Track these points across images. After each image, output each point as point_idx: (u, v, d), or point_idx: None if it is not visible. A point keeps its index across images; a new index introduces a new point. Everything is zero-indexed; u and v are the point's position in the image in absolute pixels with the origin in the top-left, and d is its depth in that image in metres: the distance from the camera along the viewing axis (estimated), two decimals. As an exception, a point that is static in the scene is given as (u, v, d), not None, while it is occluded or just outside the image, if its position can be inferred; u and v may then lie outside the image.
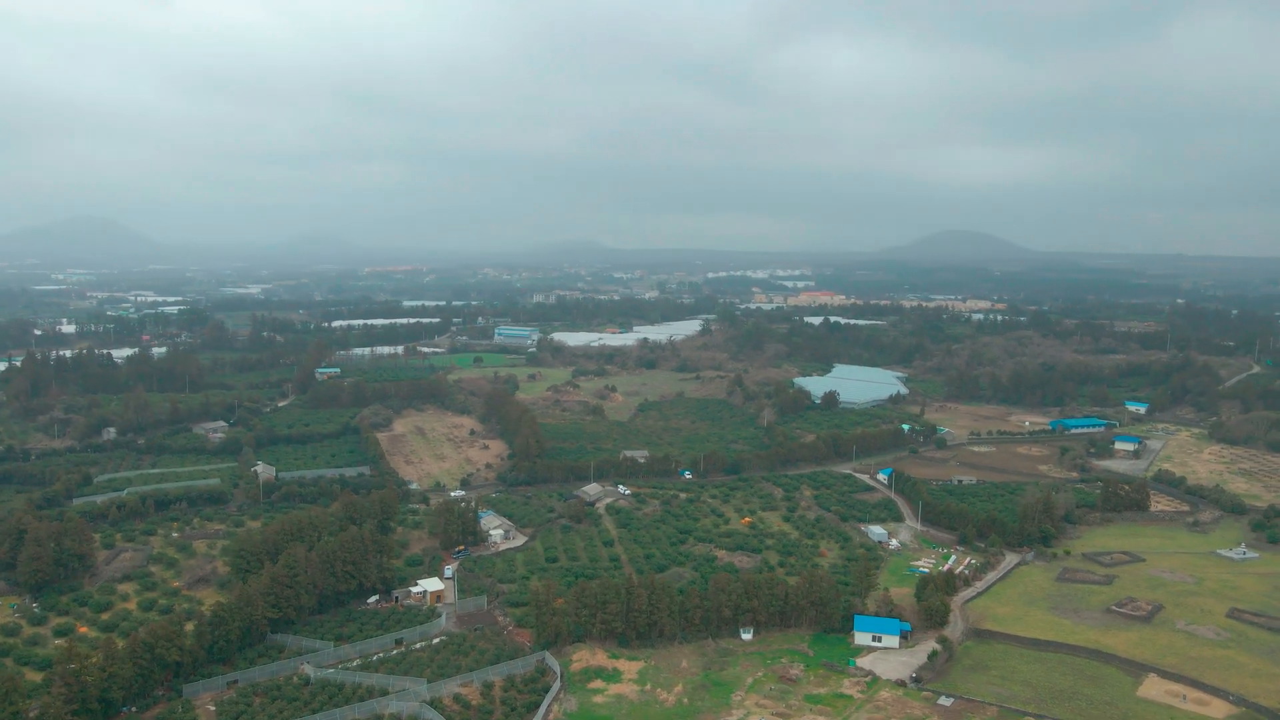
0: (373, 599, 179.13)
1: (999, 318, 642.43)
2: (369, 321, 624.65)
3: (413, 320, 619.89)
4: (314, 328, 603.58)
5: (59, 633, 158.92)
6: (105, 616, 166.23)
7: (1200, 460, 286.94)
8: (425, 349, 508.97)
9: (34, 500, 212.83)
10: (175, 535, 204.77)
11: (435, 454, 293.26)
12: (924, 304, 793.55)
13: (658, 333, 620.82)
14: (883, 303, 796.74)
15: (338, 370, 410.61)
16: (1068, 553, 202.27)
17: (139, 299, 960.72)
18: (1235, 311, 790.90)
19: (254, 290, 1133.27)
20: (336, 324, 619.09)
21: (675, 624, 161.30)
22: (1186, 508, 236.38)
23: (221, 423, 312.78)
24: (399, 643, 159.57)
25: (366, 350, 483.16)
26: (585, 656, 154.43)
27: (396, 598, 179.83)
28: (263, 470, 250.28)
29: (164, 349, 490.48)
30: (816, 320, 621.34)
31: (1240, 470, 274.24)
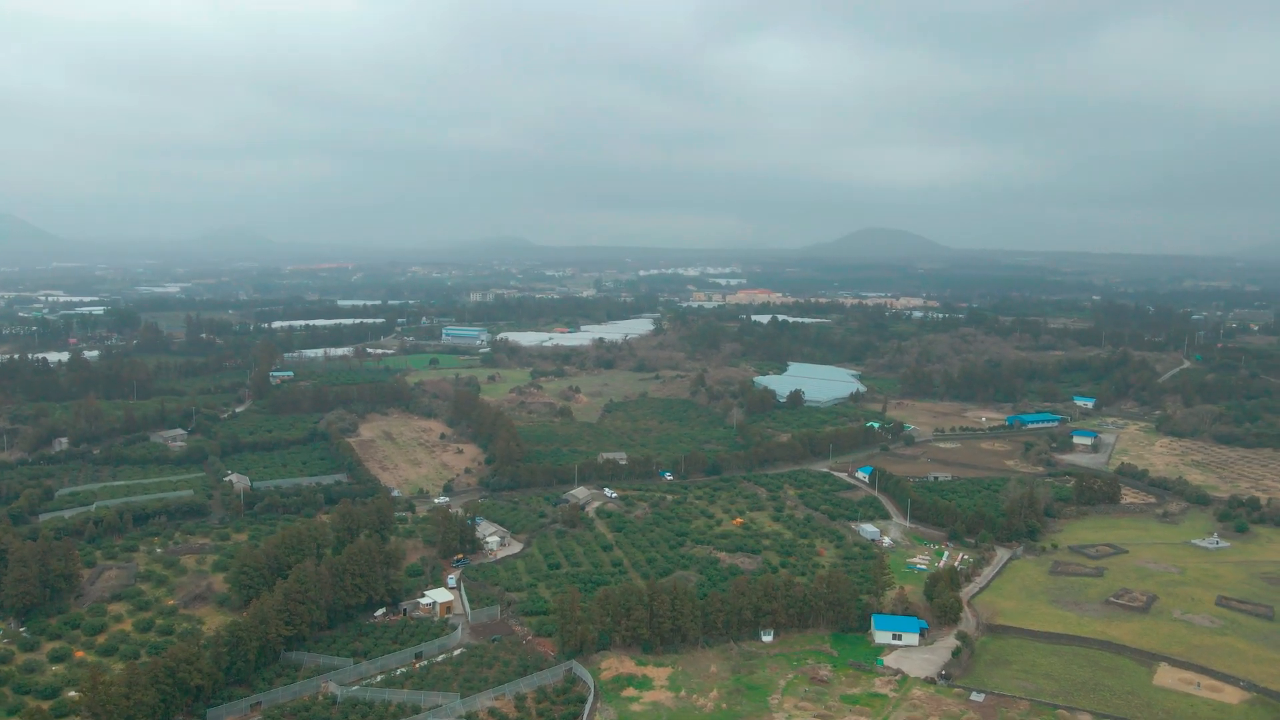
0: (380, 612, 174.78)
1: (938, 315, 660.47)
2: (310, 322, 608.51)
3: (355, 321, 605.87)
4: (253, 329, 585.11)
5: (55, 658, 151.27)
6: (100, 639, 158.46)
7: (1154, 453, 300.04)
8: (375, 350, 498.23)
9: None
10: (159, 551, 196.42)
11: (409, 459, 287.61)
12: (863, 302, 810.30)
13: (606, 332, 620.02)
14: (821, 300, 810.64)
15: (291, 374, 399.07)
16: (1055, 546, 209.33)
17: (50, 299, 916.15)
18: (1152, 308, 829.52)
19: (173, 289, 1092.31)
20: (276, 325, 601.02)
21: (697, 628, 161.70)
22: (1153, 499, 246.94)
23: (179, 430, 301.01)
24: (418, 657, 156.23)
25: (319, 352, 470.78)
26: (614, 664, 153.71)
27: (404, 610, 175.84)
28: (237, 480, 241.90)
29: (95, 352, 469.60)
30: (764, 319, 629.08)
31: (1193, 462, 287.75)
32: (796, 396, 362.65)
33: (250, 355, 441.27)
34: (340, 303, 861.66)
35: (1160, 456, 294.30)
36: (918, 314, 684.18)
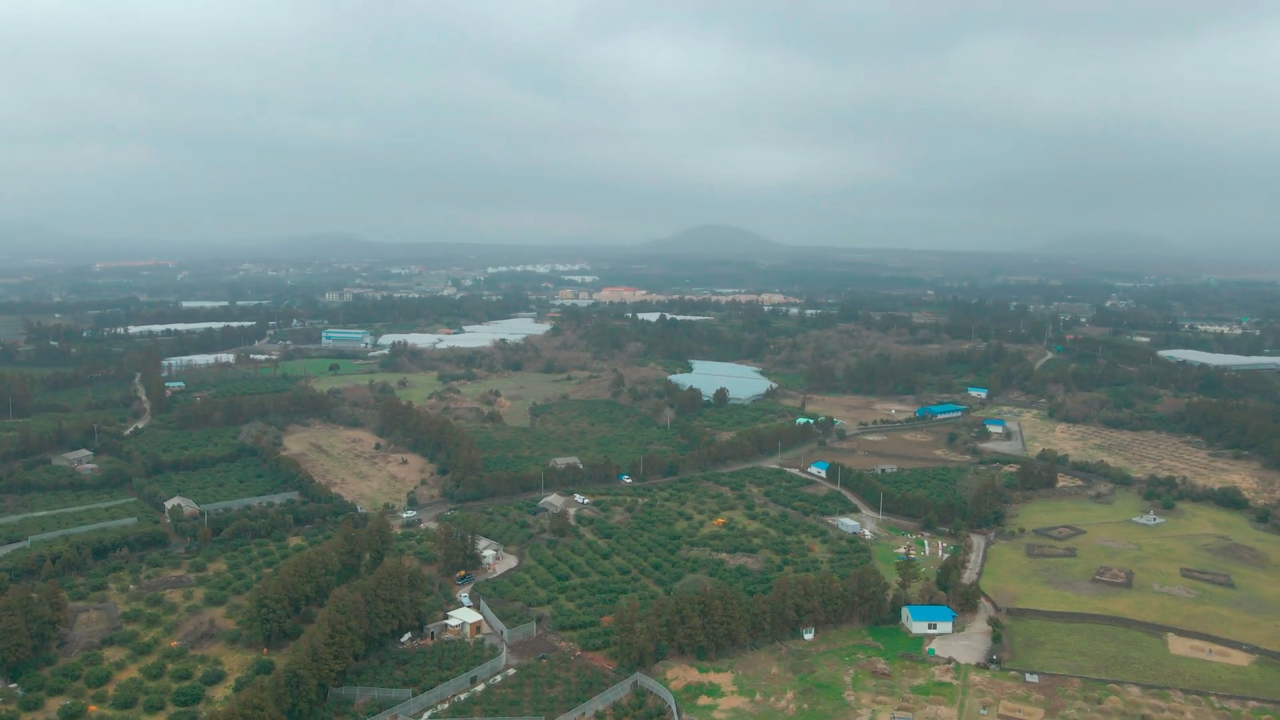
0: (406, 637, 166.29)
1: (812, 312, 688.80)
2: (170, 327, 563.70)
3: (222, 325, 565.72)
4: (107, 335, 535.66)
5: (67, 716, 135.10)
6: (110, 690, 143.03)
7: (1058, 439, 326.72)
8: (257, 356, 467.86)
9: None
10: (132, 587, 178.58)
11: (354, 472, 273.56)
12: (736, 299, 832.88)
13: (491, 332, 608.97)
14: (693, 298, 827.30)
15: (182, 384, 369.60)
16: (1022, 530, 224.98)
17: None
18: (976, 300, 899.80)
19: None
20: (135, 330, 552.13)
21: (746, 631, 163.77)
22: (1080, 482, 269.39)
23: (85, 451, 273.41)
24: (473, 681, 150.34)
25: (209, 359, 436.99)
26: (679, 673, 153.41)
27: (432, 633, 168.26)
28: (185, 505, 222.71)
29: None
30: (651, 317, 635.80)
31: (1095, 445, 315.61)
32: (722, 395, 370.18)
33: (125, 365, 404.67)
34: (184, 304, 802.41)
35: (1065, 442, 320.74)
36: (794, 310, 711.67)
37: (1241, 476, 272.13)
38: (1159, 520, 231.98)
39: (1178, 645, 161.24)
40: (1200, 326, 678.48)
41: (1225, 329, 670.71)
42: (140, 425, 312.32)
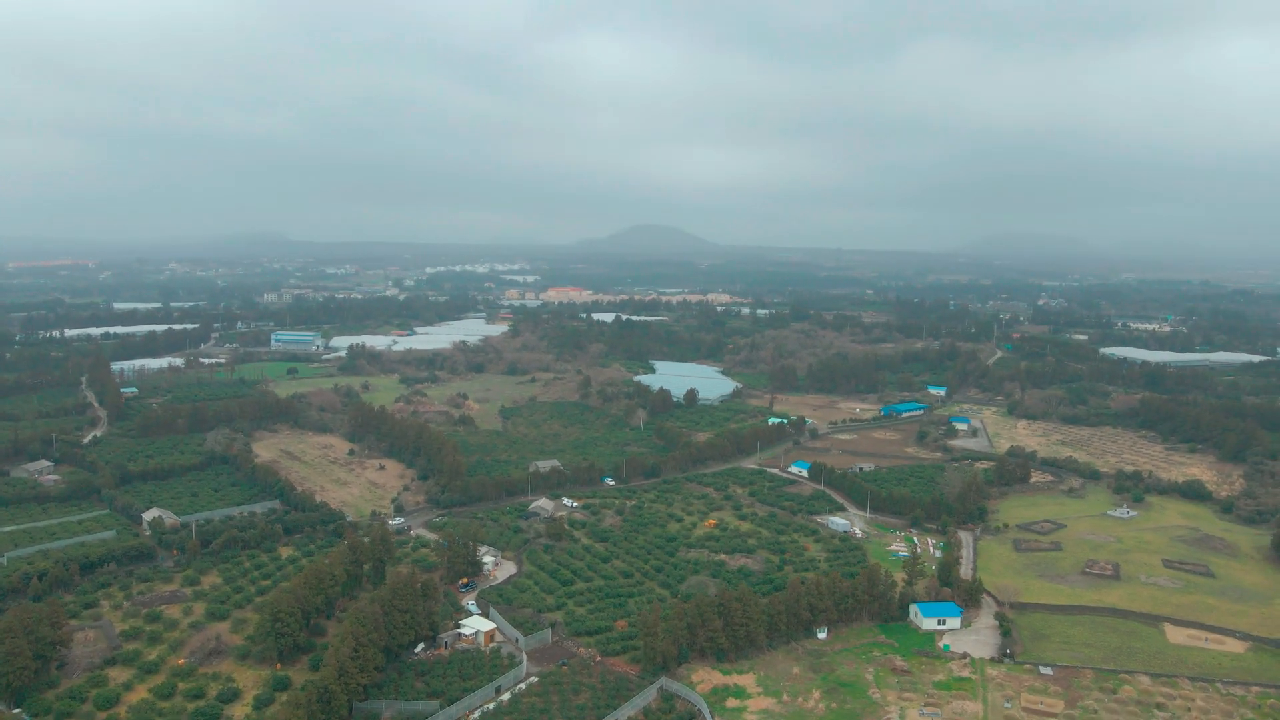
0: (419, 648, 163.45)
1: (765, 312, 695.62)
2: (110, 330, 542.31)
3: (163, 328, 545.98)
4: (42, 339, 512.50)
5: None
6: (121, 713, 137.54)
7: (1021, 435, 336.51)
8: (207, 360, 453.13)
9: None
10: (126, 604, 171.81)
11: (332, 479, 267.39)
12: (687, 299, 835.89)
13: (444, 333, 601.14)
14: (643, 298, 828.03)
15: (135, 390, 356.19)
16: (1006, 525, 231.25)
17: None
18: (917, 300, 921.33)
19: None
20: (71, 334, 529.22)
21: (763, 631, 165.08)
22: (1051, 477, 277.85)
23: (45, 462, 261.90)
24: (498, 691, 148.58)
25: (163, 363, 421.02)
26: (703, 676, 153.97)
27: (445, 643, 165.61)
28: (166, 517, 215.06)
29: None
30: (608, 318, 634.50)
31: (1057, 441, 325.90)
32: (692, 396, 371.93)
33: (69, 370, 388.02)
34: (116, 306, 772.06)
35: (1029, 438, 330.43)
36: (745, 310, 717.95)
37: (1200, 469, 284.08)
38: (1132, 513, 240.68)
39: (1175, 634, 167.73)
40: (1132, 325, 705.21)
41: (1155, 326, 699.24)
42: (98, 434, 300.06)
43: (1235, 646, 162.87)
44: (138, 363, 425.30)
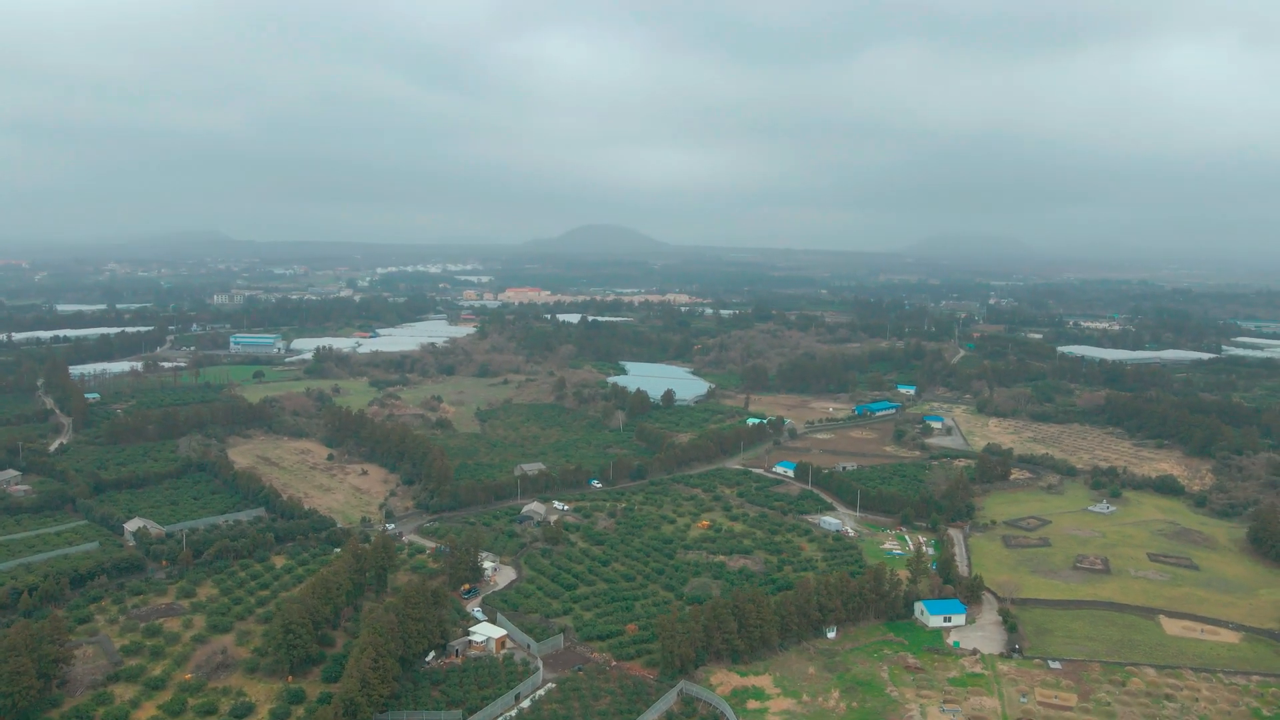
0: (430, 656, 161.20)
1: (728, 312, 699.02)
2: (59, 332, 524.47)
3: (116, 330, 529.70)
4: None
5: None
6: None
7: (993, 432, 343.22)
8: (166, 364, 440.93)
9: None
10: (122, 619, 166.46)
11: (315, 485, 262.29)
12: (649, 299, 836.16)
13: (407, 335, 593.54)
14: (604, 299, 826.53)
15: (98, 395, 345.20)
16: (994, 522, 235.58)
17: None
18: (874, 299, 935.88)
19: None
20: (19, 337, 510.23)
21: (775, 632, 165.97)
22: (1029, 474, 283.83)
23: (12, 471, 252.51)
24: (517, 698, 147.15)
25: (125, 367, 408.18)
26: (721, 679, 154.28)
27: (456, 650, 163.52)
28: (151, 527, 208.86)
29: None
30: (572, 319, 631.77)
31: (1029, 438, 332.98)
32: (669, 397, 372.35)
33: (23, 375, 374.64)
34: (60, 309, 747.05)
35: (1001, 435, 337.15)
36: (708, 310, 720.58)
37: (1170, 465, 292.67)
38: (1112, 509, 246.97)
39: (1171, 626, 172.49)
40: (1083, 324, 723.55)
41: (1105, 325, 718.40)
42: (64, 441, 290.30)
43: (1229, 637, 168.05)
44: (97, 366, 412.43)
